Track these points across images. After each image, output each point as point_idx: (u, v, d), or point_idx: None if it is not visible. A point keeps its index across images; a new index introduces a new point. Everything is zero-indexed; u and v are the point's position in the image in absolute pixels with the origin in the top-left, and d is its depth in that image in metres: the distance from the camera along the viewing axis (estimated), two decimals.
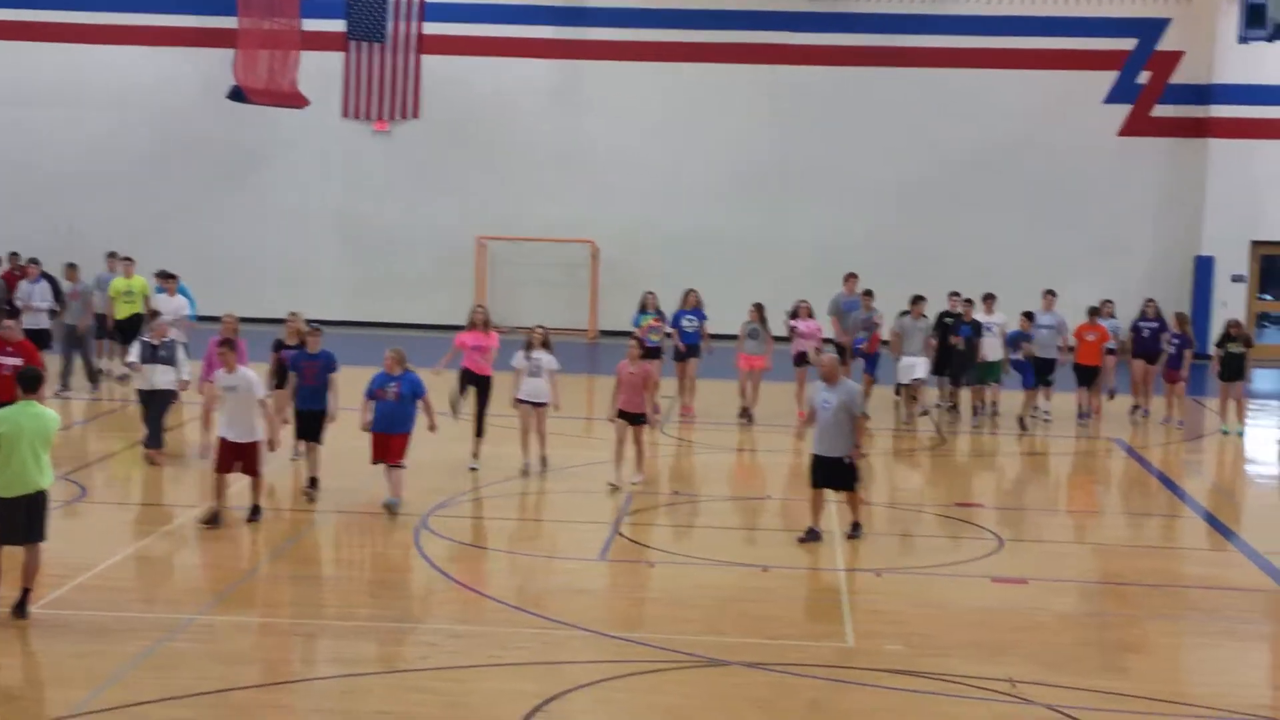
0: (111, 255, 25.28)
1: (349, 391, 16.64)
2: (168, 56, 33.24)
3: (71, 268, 24.10)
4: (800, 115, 32.55)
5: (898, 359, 22.56)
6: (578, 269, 33.06)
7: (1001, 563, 14.48)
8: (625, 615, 12.65)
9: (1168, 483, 19.21)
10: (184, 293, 22.99)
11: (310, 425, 16.37)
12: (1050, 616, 12.76)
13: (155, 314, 20.83)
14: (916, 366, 22.30)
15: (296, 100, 30.48)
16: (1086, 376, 22.96)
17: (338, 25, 31.47)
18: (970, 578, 13.88)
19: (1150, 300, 24.33)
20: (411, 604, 13.01)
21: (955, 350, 22.60)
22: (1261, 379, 27.90)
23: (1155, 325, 23.46)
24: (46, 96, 33.31)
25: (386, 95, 33.19)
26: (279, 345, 17.59)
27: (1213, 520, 17.18)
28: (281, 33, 29.83)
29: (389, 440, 15.62)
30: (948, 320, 22.88)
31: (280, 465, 17.17)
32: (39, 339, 21.33)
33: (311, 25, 30.68)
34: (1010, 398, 22.96)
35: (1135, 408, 23.46)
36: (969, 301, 23.00)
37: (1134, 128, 32.23)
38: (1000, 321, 22.92)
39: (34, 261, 24.29)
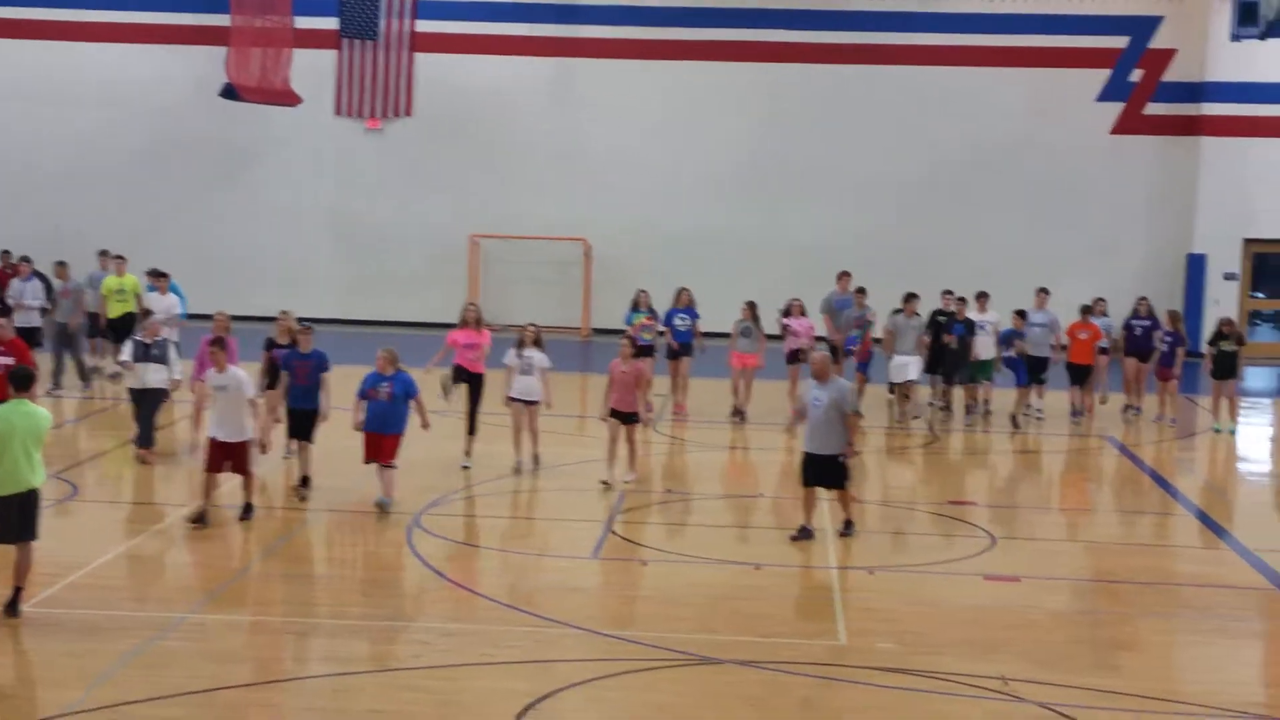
0: (103, 253, 25.23)
1: (341, 390, 16.63)
2: (159, 54, 33.18)
3: (61, 265, 24.05)
4: (792, 113, 32.52)
5: (890, 357, 22.56)
6: (571, 267, 33.05)
7: (994, 561, 14.49)
8: (618, 613, 12.64)
9: (1160, 481, 19.22)
10: (175, 291, 22.96)
11: (302, 424, 16.35)
12: (1043, 614, 12.77)
13: (148, 312, 20.81)
14: (909, 367, 22.30)
15: (289, 98, 30.45)
16: (1079, 375, 22.97)
17: (330, 23, 31.46)
18: (963, 576, 13.89)
19: (1142, 298, 24.35)
20: (404, 602, 13.00)
21: (948, 349, 22.60)
22: (1253, 377, 27.95)
23: (1147, 323, 23.48)
24: (36, 94, 33.21)
25: (379, 93, 33.15)
26: (270, 344, 17.59)
27: (1205, 518, 17.19)
28: (274, 30, 29.80)
29: (381, 440, 15.61)
30: (941, 319, 22.87)
31: (272, 464, 17.17)
32: (30, 337, 21.31)
33: (304, 23, 30.65)
34: (1003, 396, 22.98)
35: (1128, 406, 23.49)
36: (962, 300, 22.99)
37: (1126, 126, 32.24)
38: (993, 320, 22.92)
39: (25, 260, 24.24)
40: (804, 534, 14.82)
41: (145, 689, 10.18)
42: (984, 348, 22.63)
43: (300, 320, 17.32)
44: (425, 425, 16.03)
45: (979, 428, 22.36)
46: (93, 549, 13.78)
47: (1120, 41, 32.15)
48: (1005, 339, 22.73)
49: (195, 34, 32.57)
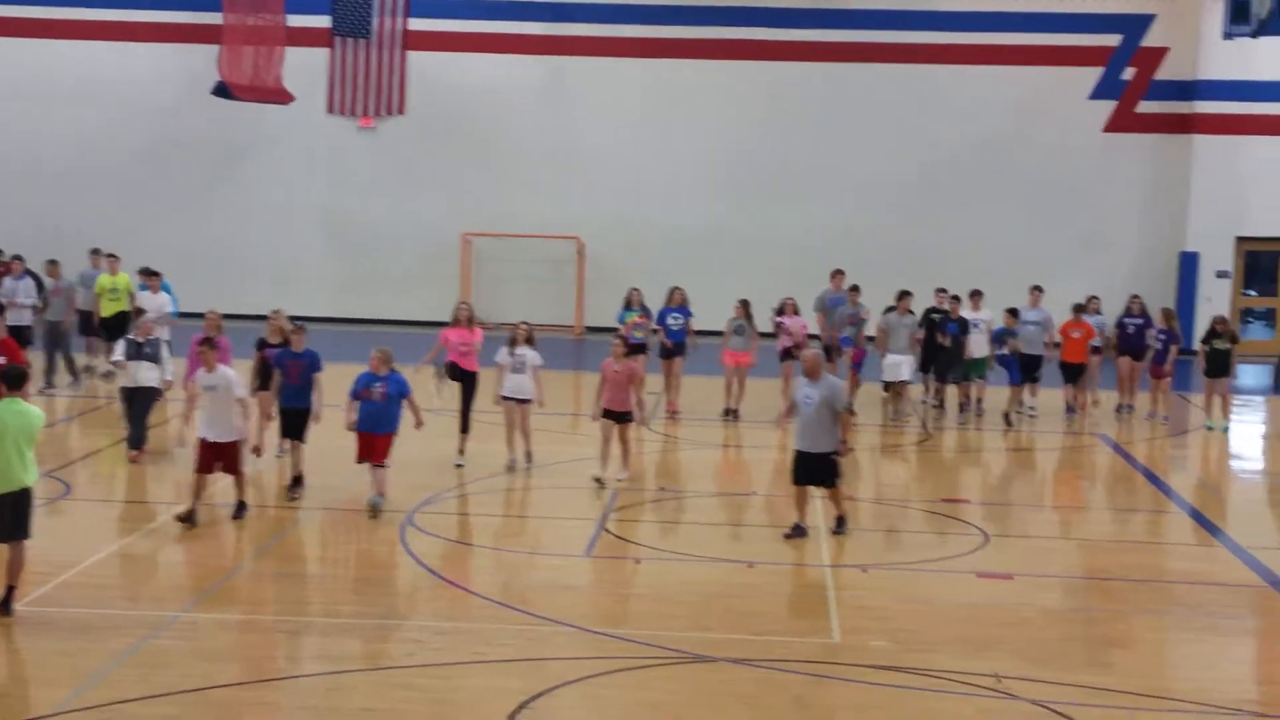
0: (95, 252, 25.21)
1: (333, 389, 16.60)
2: (152, 52, 33.15)
3: (53, 264, 24.02)
4: (785, 111, 32.54)
5: (883, 355, 22.56)
6: (564, 265, 33.04)
7: (987, 558, 14.49)
8: (611, 611, 12.63)
9: (1153, 478, 19.24)
10: (167, 290, 22.95)
11: (294, 423, 16.32)
12: (1036, 612, 12.77)
13: (141, 311, 20.78)
14: (902, 366, 22.30)
15: (281, 96, 30.41)
16: (1072, 373, 22.98)
17: (323, 21, 31.41)
18: (956, 573, 13.89)
19: (1135, 296, 24.35)
20: (397, 601, 12.99)
21: (942, 347, 22.61)
22: (1246, 374, 27.99)
23: (1140, 321, 23.50)
24: (28, 92, 33.18)
25: (372, 91, 33.13)
26: (262, 344, 17.53)
27: (1198, 516, 17.20)
28: (266, 29, 29.75)
29: (374, 440, 15.59)
30: (934, 317, 22.89)
31: (265, 463, 17.16)
32: (21, 335, 21.27)
33: (296, 21, 30.59)
34: (996, 394, 22.98)
35: (1121, 404, 23.50)
36: (956, 298, 23.01)
37: (1119, 124, 32.28)
38: (986, 318, 22.92)
39: (18, 258, 24.21)
40: (797, 532, 14.82)
41: (138, 688, 10.17)
42: (977, 346, 22.64)
43: (293, 319, 17.28)
44: (419, 424, 16.02)
45: (972, 426, 22.37)
46: (85, 548, 13.76)
47: (1113, 39, 32.18)
48: (998, 337, 22.73)
49: (187, 32, 32.59)
